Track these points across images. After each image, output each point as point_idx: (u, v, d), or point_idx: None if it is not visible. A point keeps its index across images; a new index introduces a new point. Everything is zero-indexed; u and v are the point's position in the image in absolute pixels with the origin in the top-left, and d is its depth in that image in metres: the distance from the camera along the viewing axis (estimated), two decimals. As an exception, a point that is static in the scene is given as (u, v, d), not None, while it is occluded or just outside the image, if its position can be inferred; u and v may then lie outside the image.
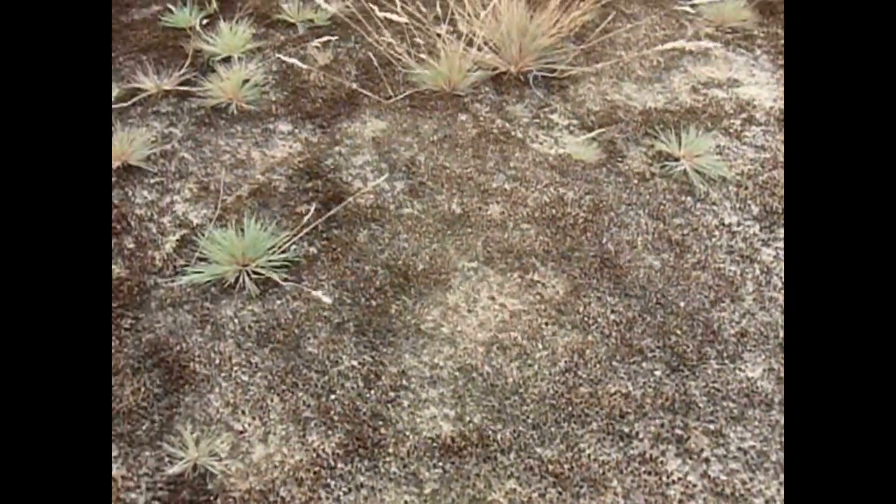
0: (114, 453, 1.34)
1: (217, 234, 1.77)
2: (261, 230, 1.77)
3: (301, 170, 2.05)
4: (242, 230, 1.77)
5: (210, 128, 2.29)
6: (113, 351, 1.53)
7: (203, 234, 1.84)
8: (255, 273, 1.68)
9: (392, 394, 1.43)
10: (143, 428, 1.39)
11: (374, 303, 1.60)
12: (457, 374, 1.47)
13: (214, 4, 2.90)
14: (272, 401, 1.42)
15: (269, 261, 1.70)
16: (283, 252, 1.72)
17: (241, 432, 1.37)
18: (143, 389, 1.45)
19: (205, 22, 2.80)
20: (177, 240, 1.86)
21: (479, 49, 2.40)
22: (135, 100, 2.40)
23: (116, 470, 1.32)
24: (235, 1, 2.95)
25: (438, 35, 2.49)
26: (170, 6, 2.92)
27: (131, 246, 1.83)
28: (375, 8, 2.56)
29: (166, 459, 1.33)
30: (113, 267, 1.76)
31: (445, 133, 2.16)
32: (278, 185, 2.01)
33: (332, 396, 1.43)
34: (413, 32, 2.55)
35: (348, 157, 2.07)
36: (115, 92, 2.46)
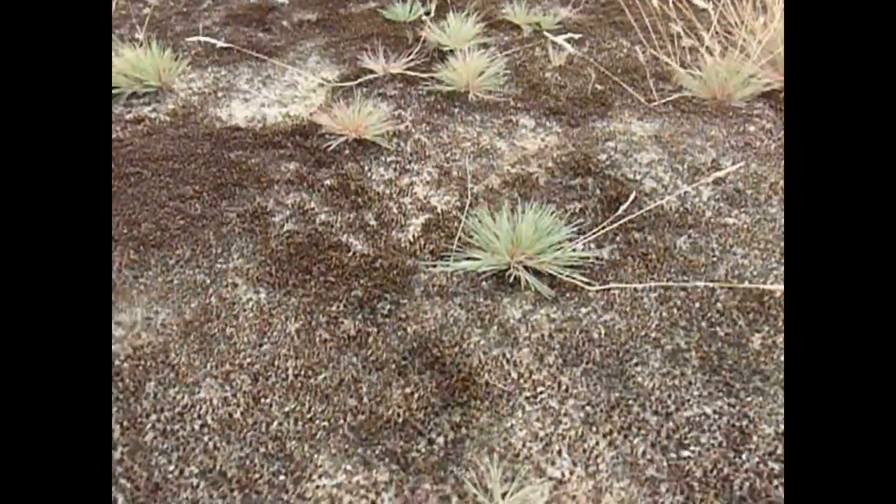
0: (381, 477, 0.98)
1: (486, 221, 1.44)
2: (534, 225, 1.42)
3: (565, 164, 1.72)
4: (514, 221, 1.43)
5: (443, 114, 2.03)
6: (371, 339, 1.20)
7: (450, 220, 1.52)
8: (536, 271, 1.32)
9: (775, 465, 0.97)
10: (420, 448, 1.02)
11: (721, 331, 1.17)
12: (876, 452, 0.99)
13: (435, 2, 2.77)
14: (597, 444, 1.01)
15: (555, 259, 1.33)
16: (571, 251, 1.35)
17: (562, 482, 0.96)
18: (416, 395, 1.09)
19: (425, 17, 2.66)
20: (422, 223, 1.56)
21: (753, 61, 2.02)
22: (361, 80, 2.22)
23: (388, 503, 0.94)
24: (455, 1, 2.81)
25: (695, 47, 2.15)
26: (392, 1, 2.82)
27: (373, 223, 1.55)
28: (610, 13, 2.27)
29: (455, 502, 0.94)
30: (355, 242, 1.48)
31: (743, 140, 1.75)
32: (538, 179, 1.68)
33: (685, 453, 1.00)
34: (653, 39, 2.23)
35: (629, 153, 1.71)
36: (340, 71, 2.30)
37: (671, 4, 2.20)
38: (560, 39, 2.24)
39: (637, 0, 2.46)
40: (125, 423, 1.01)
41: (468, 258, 1.34)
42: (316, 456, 1.00)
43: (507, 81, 2.20)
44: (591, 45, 2.46)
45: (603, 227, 1.41)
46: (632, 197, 1.29)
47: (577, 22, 2.64)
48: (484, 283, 1.33)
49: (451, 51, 2.37)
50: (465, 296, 1.29)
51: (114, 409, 1.03)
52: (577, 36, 2.41)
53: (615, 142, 1.76)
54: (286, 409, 1.06)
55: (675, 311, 1.20)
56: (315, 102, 2.18)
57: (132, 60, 2.20)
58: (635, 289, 1.24)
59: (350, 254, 1.43)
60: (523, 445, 1.01)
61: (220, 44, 2.28)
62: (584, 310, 1.22)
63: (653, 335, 1.16)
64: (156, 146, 1.76)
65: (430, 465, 1.00)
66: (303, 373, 1.12)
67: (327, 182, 1.67)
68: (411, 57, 2.33)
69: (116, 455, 0.97)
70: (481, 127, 1.96)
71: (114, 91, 2.14)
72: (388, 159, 1.81)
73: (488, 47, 2.46)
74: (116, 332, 1.17)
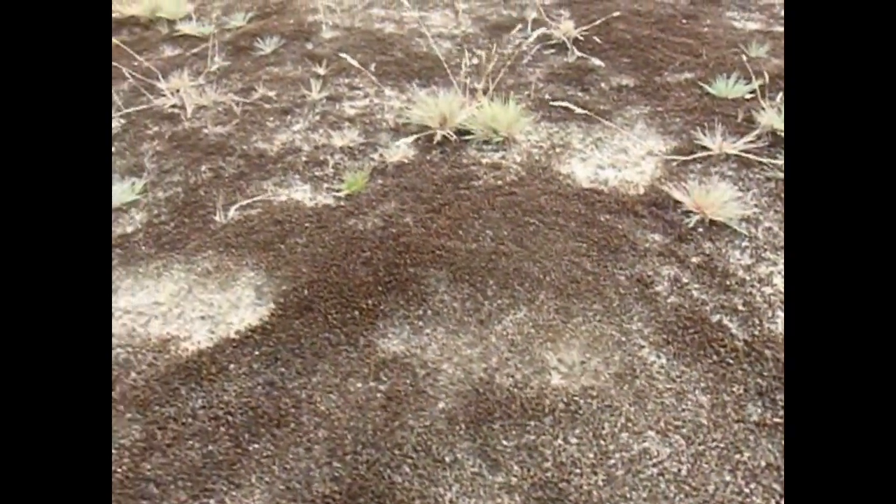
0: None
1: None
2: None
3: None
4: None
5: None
6: (780, 431, 1.33)
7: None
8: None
9: None
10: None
11: None
12: None
13: (761, 80, 2.81)
14: None
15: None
16: None
17: None
18: None
19: (750, 95, 2.72)
20: (791, 318, 1.64)
21: None
22: (695, 156, 2.37)
23: None
24: (779, 79, 2.82)
25: None
26: (710, 78, 2.93)
27: (742, 308, 1.67)
28: None
29: None
30: (731, 325, 1.61)
31: None
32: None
33: None
34: None
35: None
36: (667, 143, 2.47)
37: None
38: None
39: None
40: (594, 455, 1.27)
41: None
42: (759, 529, 1.15)
43: (854, 177, 2.18)
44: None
45: None
46: None
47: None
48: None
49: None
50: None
51: (581, 440, 1.30)
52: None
53: None
54: (724, 478, 1.23)
55: None
56: (646, 170, 2.38)
57: (488, 112, 2.62)
58: None
59: (730, 336, 1.57)
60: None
61: (577, 110, 2.59)
62: None
63: None
64: (539, 199, 2.09)
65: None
66: (726, 447, 1.29)
67: (693, 259, 1.84)
68: (747, 138, 2.41)
69: (591, 480, 1.22)
70: (836, 225, 1.98)
71: (469, 137, 2.56)
72: (743, 244, 1.92)
73: (825, 135, 2.44)
74: (561, 368, 1.46)
